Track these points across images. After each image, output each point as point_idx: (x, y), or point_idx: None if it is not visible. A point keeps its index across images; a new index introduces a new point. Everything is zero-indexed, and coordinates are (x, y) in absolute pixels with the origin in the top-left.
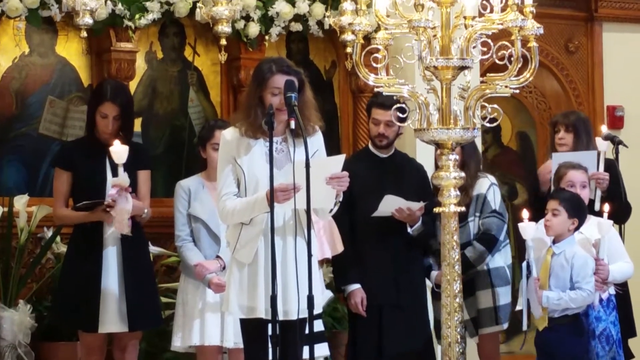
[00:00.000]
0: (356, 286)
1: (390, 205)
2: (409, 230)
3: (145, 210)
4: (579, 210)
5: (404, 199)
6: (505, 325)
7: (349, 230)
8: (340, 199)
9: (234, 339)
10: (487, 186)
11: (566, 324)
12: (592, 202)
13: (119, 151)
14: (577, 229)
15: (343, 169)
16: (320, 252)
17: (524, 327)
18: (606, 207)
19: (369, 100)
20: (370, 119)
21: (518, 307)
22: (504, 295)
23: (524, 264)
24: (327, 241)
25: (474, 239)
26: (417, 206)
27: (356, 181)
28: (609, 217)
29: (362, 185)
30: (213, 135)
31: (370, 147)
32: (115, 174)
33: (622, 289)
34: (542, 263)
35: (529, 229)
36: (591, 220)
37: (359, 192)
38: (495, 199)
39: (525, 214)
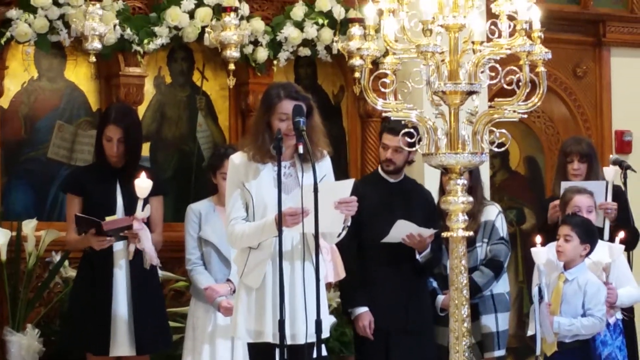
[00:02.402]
0: (364, 309)
1: (401, 230)
2: (417, 257)
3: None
4: (591, 236)
5: (416, 225)
6: (504, 351)
7: (357, 254)
8: (349, 224)
9: None
10: (496, 214)
11: (575, 349)
12: (600, 230)
13: (143, 187)
14: (588, 254)
15: (352, 193)
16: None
17: (538, 352)
18: (621, 234)
19: (381, 125)
20: (381, 143)
21: (530, 332)
22: (503, 321)
23: (536, 289)
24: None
25: (481, 265)
26: (428, 233)
27: (365, 205)
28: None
29: (371, 209)
30: (222, 164)
31: (380, 171)
32: (126, 198)
33: (629, 315)
34: (554, 289)
35: (541, 253)
36: (600, 244)
37: (367, 216)
38: (502, 226)
39: (538, 238)
